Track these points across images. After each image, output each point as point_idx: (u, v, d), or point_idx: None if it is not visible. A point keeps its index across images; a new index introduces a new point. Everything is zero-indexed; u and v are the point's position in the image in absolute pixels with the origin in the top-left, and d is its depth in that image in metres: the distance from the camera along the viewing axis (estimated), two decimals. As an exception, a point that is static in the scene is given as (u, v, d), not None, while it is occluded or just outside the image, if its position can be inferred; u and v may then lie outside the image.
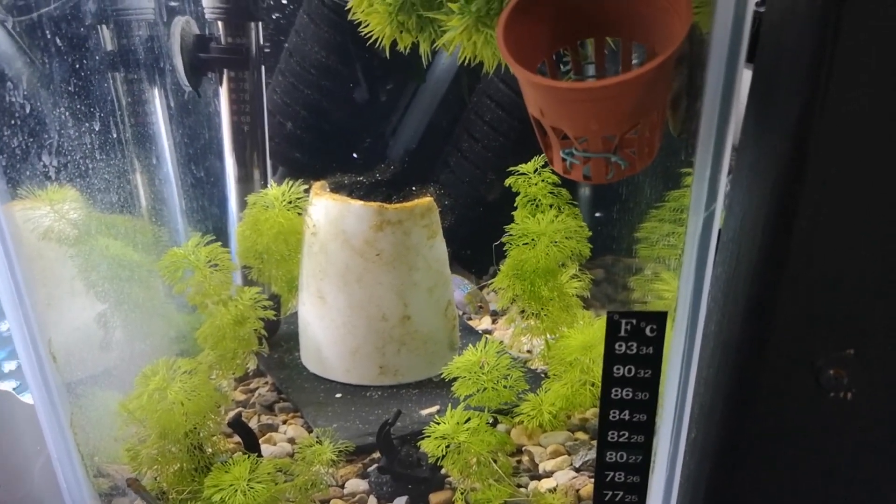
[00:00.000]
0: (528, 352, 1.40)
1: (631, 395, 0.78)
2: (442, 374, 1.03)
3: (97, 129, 0.99)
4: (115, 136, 1.05)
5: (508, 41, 0.69)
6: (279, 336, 1.43)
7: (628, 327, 0.75)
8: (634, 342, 0.76)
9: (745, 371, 0.73)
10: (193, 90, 1.27)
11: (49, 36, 0.91)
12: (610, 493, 0.83)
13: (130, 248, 1.11)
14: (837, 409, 0.72)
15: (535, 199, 1.17)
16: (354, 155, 1.69)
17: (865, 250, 0.65)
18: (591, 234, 1.17)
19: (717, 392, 0.78)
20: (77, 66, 0.95)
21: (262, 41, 1.33)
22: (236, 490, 0.92)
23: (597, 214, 1.66)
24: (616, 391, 0.78)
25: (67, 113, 0.94)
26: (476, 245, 1.60)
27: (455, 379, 1.02)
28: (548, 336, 1.23)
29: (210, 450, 1.00)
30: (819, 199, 0.63)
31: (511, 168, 1.18)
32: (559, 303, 1.15)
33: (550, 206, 1.16)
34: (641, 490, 0.83)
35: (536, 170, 1.16)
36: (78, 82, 0.95)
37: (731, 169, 0.78)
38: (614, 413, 0.79)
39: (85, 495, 0.93)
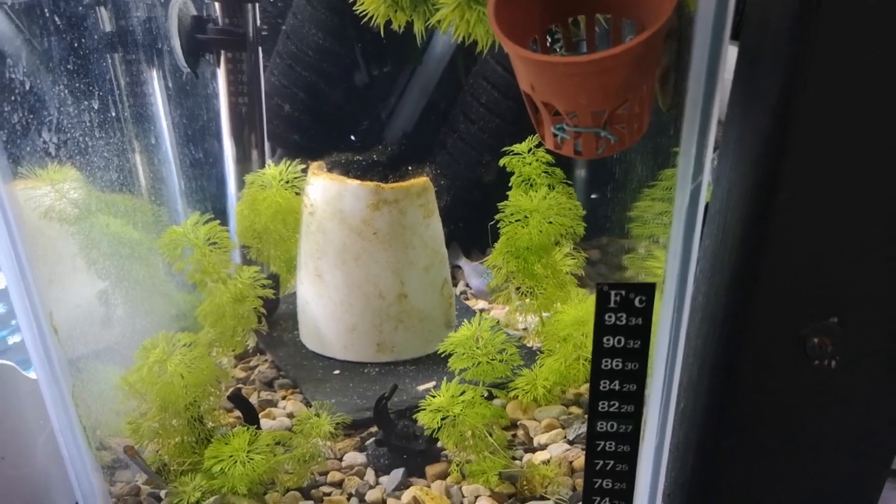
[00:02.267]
0: (525, 329, 1.42)
1: (621, 365, 0.80)
2: (438, 350, 1.05)
3: (96, 108, 1.00)
4: (114, 115, 1.06)
5: (500, 17, 0.70)
6: (278, 315, 1.45)
7: (617, 298, 0.76)
8: (624, 313, 0.77)
9: (732, 340, 0.75)
10: (191, 71, 1.28)
11: (48, 16, 0.92)
12: (601, 462, 0.85)
13: (130, 227, 1.13)
14: (822, 376, 0.74)
15: (529, 179, 1.18)
16: (352, 137, 1.71)
17: (847, 220, 0.66)
18: (584, 212, 1.18)
19: (705, 362, 0.80)
20: (76, 46, 0.96)
21: (259, 22, 1.34)
22: (236, 461, 0.94)
23: (592, 196, 1.67)
24: (606, 362, 0.80)
25: (67, 92, 0.95)
26: (473, 225, 1.62)
27: (451, 355, 1.04)
28: (542, 314, 1.25)
29: (211, 423, 1.02)
30: (801, 172, 0.65)
31: (506, 148, 1.19)
32: (553, 280, 1.17)
33: (545, 185, 1.17)
34: (632, 459, 0.84)
35: (531, 149, 1.17)
36: (77, 62, 0.96)
37: (718, 144, 0.79)
38: (605, 383, 0.81)
39: (87, 467, 0.95)
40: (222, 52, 1.32)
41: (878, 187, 0.65)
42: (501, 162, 1.19)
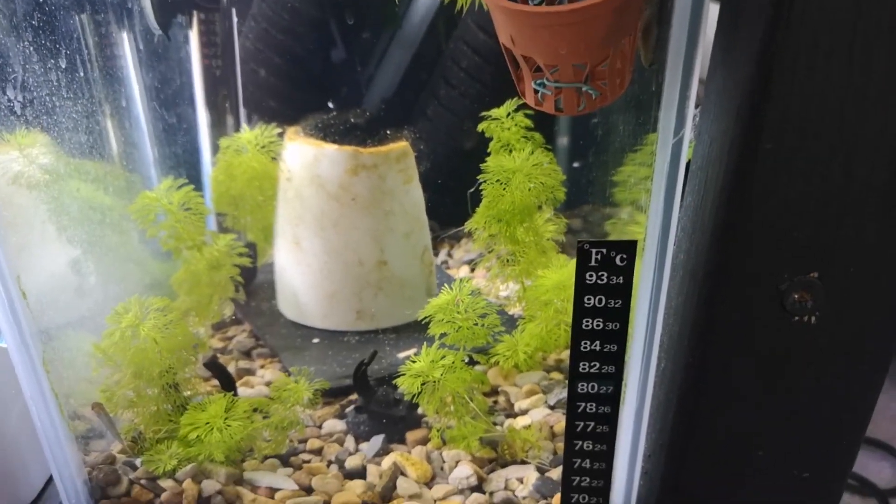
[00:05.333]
0: (507, 297, 1.41)
1: (601, 325, 0.79)
2: (419, 317, 1.03)
3: (64, 67, 0.96)
4: (82, 75, 1.03)
5: (478, -34, 0.68)
6: (256, 283, 1.43)
7: (598, 256, 0.75)
8: (605, 272, 0.76)
9: (712, 297, 0.74)
10: (163, 33, 1.24)
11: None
12: (581, 423, 0.85)
13: (101, 192, 1.10)
14: (802, 332, 0.73)
15: (508, 144, 1.16)
16: (330, 104, 1.67)
17: (828, 173, 0.65)
18: (564, 177, 1.17)
19: (685, 320, 0.79)
20: (41, 2, 0.92)
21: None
22: (212, 428, 0.93)
23: (574, 165, 1.66)
24: (587, 322, 0.79)
25: (32, 49, 0.91)
26: (453, 192, 1.59)
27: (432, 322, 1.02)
28: (524, 280, 1.24)
29: (188, 392, 1.01)
30: (783, 119, 0.63)
31: (484, 113, 1.17)
32: (535, 246, 1.15)
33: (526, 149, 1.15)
34: (612, 420, 0.84)
35: (509, 114, 1.15)
36: (42, 18, 0.92)
37: (700, 101, 0.78)
38: (585, 344, 0.80)
39: (60, 436, 0.93)
40: (195, 12, 1.28)
41: (860, 138, 0.64)
42: (480, 127, 1.17)
